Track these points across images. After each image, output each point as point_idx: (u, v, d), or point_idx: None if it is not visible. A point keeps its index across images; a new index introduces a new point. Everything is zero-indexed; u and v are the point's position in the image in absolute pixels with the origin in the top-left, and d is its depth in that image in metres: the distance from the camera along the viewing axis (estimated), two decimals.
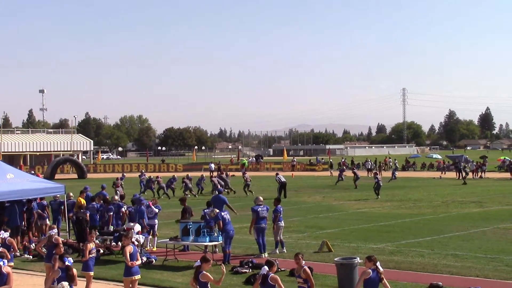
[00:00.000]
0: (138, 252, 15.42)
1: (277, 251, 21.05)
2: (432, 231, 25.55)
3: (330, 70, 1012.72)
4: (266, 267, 11.79)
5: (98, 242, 22.81)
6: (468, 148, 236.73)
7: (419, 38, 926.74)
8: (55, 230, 16.47)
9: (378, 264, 12.01)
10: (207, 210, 21.37)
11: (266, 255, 20.43)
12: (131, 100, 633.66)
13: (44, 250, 16.53)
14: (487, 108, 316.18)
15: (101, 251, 21.54)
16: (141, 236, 21.48)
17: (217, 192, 26.11)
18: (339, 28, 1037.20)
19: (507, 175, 63.12)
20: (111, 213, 23.57)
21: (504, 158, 77.92)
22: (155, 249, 22.52)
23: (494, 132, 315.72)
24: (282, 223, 21.44)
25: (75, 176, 73.37)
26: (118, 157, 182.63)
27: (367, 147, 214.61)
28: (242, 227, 26.23)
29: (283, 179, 43.05)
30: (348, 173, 59.30)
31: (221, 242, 19.96)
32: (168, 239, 21.29)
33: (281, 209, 21.72)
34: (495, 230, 25.51)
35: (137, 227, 21.94)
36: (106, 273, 18.40)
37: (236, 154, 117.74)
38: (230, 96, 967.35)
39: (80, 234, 22.45)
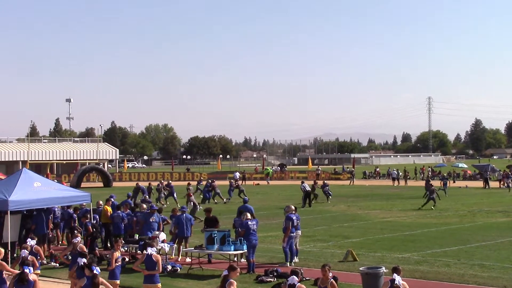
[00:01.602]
0: (161, 260, 15.43)
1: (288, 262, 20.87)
2: (458, 240, 25.37)
3: (355, 79, 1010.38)
4: (295, 277, 11.76)
5: (123, 250, 23.03)
6: (495, 157, 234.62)
7: (444, 46, 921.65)
8: (79, 238, 16.62)
9: (395, 276, 11.86)
10: (237, 218, 21.56)
11: (291, 264, 20.40)
12: (156, 108, 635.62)
13: (69, 258, 16.69)
14: None
15: (127, 259, 21.67)
16: (166, 244, 21.59)
17: (243, 202, 26.15)
18: (364, 36, 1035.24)
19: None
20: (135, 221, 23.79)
21: None
22: (180, 258, 22.57)
23: None
24: (296, 232, 21.29)
25: (101, 184, 73.87)
26: (143, 165, 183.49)
27: (392, 156, 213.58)
28: (267, 236, 26.28)
29: (307, 188, 43.07)
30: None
31: (245, 251, 20.00)
32: (193, 248, 21.38)
33: (293, 217, 21.36)
34: None
35: (162, 236, 22.06)
36: (132, 281, 18.50)
37: (261, 163, 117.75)
38: (255, 105, 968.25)
39: (106, 242, 22.64)
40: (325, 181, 50.12)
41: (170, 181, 52.64)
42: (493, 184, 62.70)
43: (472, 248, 23.50)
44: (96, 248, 22.94)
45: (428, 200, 40.03)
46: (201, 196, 46.11)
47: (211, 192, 47.19)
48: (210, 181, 49.80)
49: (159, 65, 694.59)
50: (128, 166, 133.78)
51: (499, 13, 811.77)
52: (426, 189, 42.09)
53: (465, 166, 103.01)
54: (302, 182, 44.96)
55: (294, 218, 20.89)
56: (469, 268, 19.45)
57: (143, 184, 47.71)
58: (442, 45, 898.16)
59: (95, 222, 24.43)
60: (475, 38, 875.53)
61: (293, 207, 21.67)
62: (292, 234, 20.77)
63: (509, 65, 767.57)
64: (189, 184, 45.73)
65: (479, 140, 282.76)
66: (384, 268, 15.90)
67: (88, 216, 24.45)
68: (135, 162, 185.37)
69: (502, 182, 63.18)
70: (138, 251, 22.18)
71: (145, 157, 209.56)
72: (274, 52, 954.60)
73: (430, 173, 75.81)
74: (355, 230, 29.48)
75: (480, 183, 65.85)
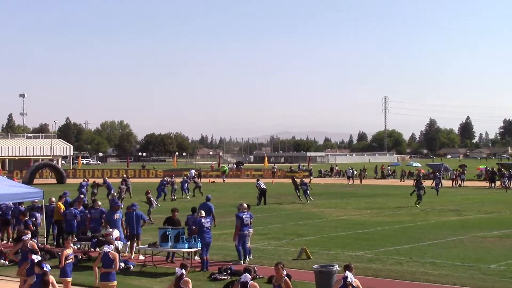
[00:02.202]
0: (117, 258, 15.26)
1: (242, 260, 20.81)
2: (410, 239, 25.65)
3: (312, 78, 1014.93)
4: (248, 275, 11.75)
5: (76, 248, 22.74)
6: (448, 156, 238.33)
7: (401, 47, 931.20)
8: (29, 235, 16.34)
9: (348, 274, 11.91)
10: (190, 216, 21.41)
11: (245, 262, 20.38)
12: (112, 105, 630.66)
13: (18, 256, 16.39)
14: (468, 117, 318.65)
15: (79, 256, 21.40)
16: (119, 242, 21.38)
17: (205, 200, 26.00)
18: (321, 37, 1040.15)
19: (486, 184, 63.50)
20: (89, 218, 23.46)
21: (486, 167, 78.35)
22: (133, 255, 22.37)
23: (474, 141, 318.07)
24: (248, 231, 21.18)
25: (54, 181, 72.90)
26: (98, 162, 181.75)
27: (347, 155, 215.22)
28: (221, 233, 26.23)
29: (263, 186, 43.11)
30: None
31: (199, 248, 19.91)
32: (146, 246, 21.22)
33: (243, 215, 21.28)
34: (472, 238, 25.66)
35: (116, 233, 21.83)
36: (84, 279, 18.25)
37: (217, 161, 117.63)
38: (211, 103, 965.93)
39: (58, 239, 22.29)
40: (303, 180, 48.25)
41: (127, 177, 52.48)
42: (446, 183, 63.58)
43: (424, 246, 23.78)
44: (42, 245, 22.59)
45: (418, 196, 41.14)
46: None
47: (172, 187, 47.71)
48: (167, 178, 49.80)
49: (115, 61, 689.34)
50: (83, 163, 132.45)
51: (454, 14, 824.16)
52: (416, 186, 42.53)
53: (419, 165, 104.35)
54: (258, 180, 45.04)
55: (244, 216, 20.83)
56: (421, 266, 19.67)
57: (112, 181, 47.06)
58: (398, 46, 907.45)
59: (34, 219, 24.08)
60: (431, 39, 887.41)
61: (245, 205, 21.62)
62: (244, 232, 20.72)
63: (463, 66, 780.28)
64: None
65: (433, 139, 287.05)
66: (337, 266, 15.97)
67: (28, 214, 24.09)
68: (90, 159, 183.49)
69: (455, 181, 64.23)
70: (91, 249, 21.95)
71: (100, 154, 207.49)
72: (232, 50, 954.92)
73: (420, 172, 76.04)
74: (310, 228, 29.60)
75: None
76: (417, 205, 40.12)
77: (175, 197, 47.71)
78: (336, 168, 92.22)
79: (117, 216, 22.23)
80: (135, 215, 22.43)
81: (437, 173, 58.80)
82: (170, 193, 48.21)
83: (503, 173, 62.79)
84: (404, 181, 74.94)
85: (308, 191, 44.30)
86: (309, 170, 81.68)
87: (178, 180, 51.70)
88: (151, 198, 34.41)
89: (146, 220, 23.56)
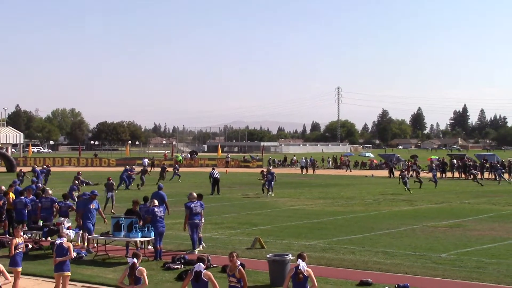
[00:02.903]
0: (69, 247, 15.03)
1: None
2: (363, 228, 25.87)
3: (266, 68, 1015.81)
4: (201, 264, 11.69)
5: (26, 237, 22.37)
6: (400, 147, 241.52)
7: (354, 38, 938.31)
8: None
9: (300, 262, 11.92)
10: (142, 205, 21.18)
11: (197, 251, 20.30)
12: (63, 93, 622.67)
13: None
14: (419, 108, 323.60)
15: (30, 246, 21.06)
16: (71, 231, 21.13)
17: (157, 188, 25.78)
18: (274, 26, 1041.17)
19: (437, 174, 64.31)
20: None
21: (438, 158, 79.46)
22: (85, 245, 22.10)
23: (425, 132, 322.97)
24: (200, 220, 21.09)
25: (4, 169, 71.61)
26: (49, 150, 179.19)
27: (301, 145, 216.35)
28: (175, 223, 26.10)
29: (215, 175, 43.04)
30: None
31: (153, 238, 19.76)
32: (99, 235, 20.97)
33: (191, 205, 21.17)
34: (424, 228, 25.99)
35: (68, 222, 21.56)
36: (35, 269, 17.99)
37: (170, 150, 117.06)
38: (165, 91, 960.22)
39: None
40: (270, 169, 44.83)
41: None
42: (398, 173, 64.26)
43: (377, 235, 24.01)
44: None
45: (405, 184, 44.48)
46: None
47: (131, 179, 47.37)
48: (128, 167, 49.41)
49: (66, 48, 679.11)
50: (33, 151, 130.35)
51: (406, 6, 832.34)
52: (401, 177, 46.25)
53: (372, 155, 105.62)
54: (213, 169, 44.96)
55: (192, 206, 20.71)
56: (373, 255, 19.85)
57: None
58: (352, 37, 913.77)
59: None
60: (384, 31, 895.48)
61: (195, 195, 21.47)
62: (195, 221, 20.60)
63: (416, 58, 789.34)
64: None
65: (385, 130, 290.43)
66: (290, 255, 16.03)
67: None
68: (41, 147, 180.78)
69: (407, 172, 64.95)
70: (42, 238, 21.63)
71: (51, 142, 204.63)
72: (186, 40, 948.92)
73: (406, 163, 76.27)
74: (264, 218, 29.65)
75: (385, 172, 67.46)
76: (410, 191, 43.42)
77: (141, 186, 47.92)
78: (294, 158, 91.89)
79: (93, 205, 21.80)
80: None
81: (433, 165, 58.57)
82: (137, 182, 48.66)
83: (471, 164, 63.14)
84: (351, 171, 75.94)
85: (273, 182, 41.85)
86: (268, 160, 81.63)
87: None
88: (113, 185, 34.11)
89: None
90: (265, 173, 42.86)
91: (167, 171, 55.62)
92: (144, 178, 49.20)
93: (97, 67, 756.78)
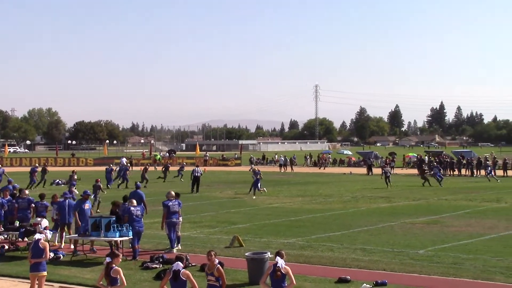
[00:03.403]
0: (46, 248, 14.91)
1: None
2: (341, 226, 25.95)
3: (244, 66, 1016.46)
4: (180, 263, 11.65)
5: (3, 238, 22.20)
6: (378, 144, 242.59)
7: (332, 35, 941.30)
8: None
9: (278, 259, 11.90)
10: (123, 205, 21.07)
11: (175, 250, 20.24)
12: (40, 92, 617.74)
13: None
14: (396, 106, 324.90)
15: (6, 247, 20.88)
16: (48, 231, 20.97)
17: (135, 188, 25.64)
18: (253, 24, 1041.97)
19: (415, 171, 64.73)
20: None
21: (418, 155, 79.91)
22: (63, 244, 21.97)
23: (403, 129, 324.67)
24: (177, 219, 21.05)
25: None
26: (26, 150, 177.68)
27: (279, 143, 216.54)
28: (153, 222, 26.00)
29: (195, 174, 43.11)
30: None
31: (131, 237, 19.66)
32: (77, 235, 20.83)
33: (169, 203, 21.14)
34: (402, 224, 26.12)
35: (45, 223, 21.40)
36: (11, 270, 17.85)
37: (148, 149, 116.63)
38: (142, 90, 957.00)
39: None
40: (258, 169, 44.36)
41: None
42: (376, 170, 64.59)
43: (355, 233, 24.09)
44: None
45: (387, 179, 46.40)
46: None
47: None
48: (109, 167, 49.56)
49: (43, 47, 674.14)
50: (9, 151, 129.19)
51: (383, 7, 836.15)
52: (383, 173, 47.60)
53: (350, 153, 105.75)
54: (197, 166, 45.02)
55: (170, 204, 20.66)
56: (352, 252, 19.91)
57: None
58: (330, 34, 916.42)
59: None
60: (361, 29, 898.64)
61: (173, 193, 21.42)
62: (172, 220, 20.55)
63: (393, 55, 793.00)
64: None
65: (363, 127, 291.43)
66: (269, 253, 16.05)
67: None
68: (17, 147, 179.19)
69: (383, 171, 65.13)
70: (19, 239, 21.45)
71: (28, 142, 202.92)
72: (165, 37, 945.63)
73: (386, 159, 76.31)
74: (242, 216, 29.65)
75: (363, 170, 67.75)
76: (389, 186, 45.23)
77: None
78: (276, 156, 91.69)
79: (86, 206, 21.70)
80: (68, 204, 22.04)
81: (435, 163, 58.11)
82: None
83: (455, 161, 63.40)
84: (324, 168, 76.41)
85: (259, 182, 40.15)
86: (250, 159, 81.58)
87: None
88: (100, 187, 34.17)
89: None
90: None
91: (170, 170, 55.92)
92: (147, 176, 49.54)
93: (74, 66, 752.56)
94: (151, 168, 63.82)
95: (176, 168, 62.05)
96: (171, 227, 20.55)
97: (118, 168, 52.11)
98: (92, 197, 31.86)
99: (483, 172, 57.76)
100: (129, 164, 66.12)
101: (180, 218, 21.18)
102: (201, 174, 44.27)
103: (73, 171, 41.93)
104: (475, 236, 22.87)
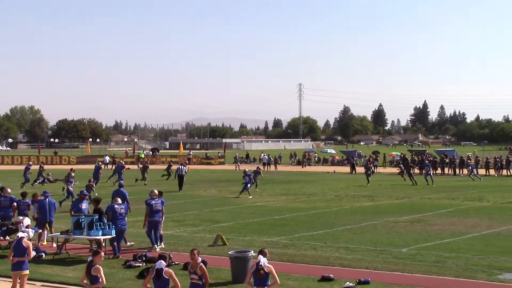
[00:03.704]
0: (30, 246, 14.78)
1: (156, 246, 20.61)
2: (325, 224, 25.99)
3: (228, 64, 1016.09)
4: (163, 262, 11.61)
5: None
6: (361, 143, 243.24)
7: (315, 34, 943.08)
8: None
9: (261, 258, 11.88)
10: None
11: (159, 248, 20.18)
12: (22, 90, 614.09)
13: None
14: (380, 105, 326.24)
15: None
16: (30, 230, 20.83)
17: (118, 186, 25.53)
18: (236, 23, 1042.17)
19: (398, 170, 64.87)
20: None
21: (401, 153, 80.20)
22: (45, 243, 21.82)
23: (387, 128, 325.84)
24: (160, 218, 20.99)
25: None
26: (8, 148, 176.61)
27: (263, 141, 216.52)
28: (136, 220, 25.89)
29: (179, 172, 43.21)
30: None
31: (114, 235, 19.58)
32: (59, 233, 20.71)
33: (152, 202, 21.08)
34: (385, 223, 26.21)
35: (27, 221, 21.26)
36: None
37: (132, 147, 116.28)
38: (127, 89, 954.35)
39: None
40: (258, 167, 45.91)
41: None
42: (360, 169, 64.71)
43: (338, 231, 24.13)
44: None
45: (367, 176, 47.57)
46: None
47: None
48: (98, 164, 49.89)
49: (24, 45, 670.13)
50: None
51: (366, 6, 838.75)
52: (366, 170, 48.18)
53: (333, 151, 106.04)
54: (182, 165, 45.05)
55: (153, 203, 20.61)
56: (335, 251, 19.93)
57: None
58: (313, 33, 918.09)
59: None
60: (347, 27, 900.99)
61: (156, 192, 21.37)
62: (154, 218, 20.50)
63: (376, 54, 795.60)
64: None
65: (347, 126, 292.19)
66: (252, 252, 16.03)
67: None
68: None
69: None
70: (0, 237, 21.29)
71: (10, 140, 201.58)
72: (148, 35, 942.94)
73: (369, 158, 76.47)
74: (226, 215, 29.62)
75: (347, 169, 67.92)
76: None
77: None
78: (262, 155, 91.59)
79: (84, 205, 21.65)
80: (48, 202, 21.90)
81: (426, 161, 57.76)
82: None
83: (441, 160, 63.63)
84: (304, 167, 76.75)
85: (249, 185, 38.35)
86: (235, 157, 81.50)
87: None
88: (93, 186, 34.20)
89: (56, 208, 22.95)
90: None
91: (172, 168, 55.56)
92: (146, 175, 49.88)
93: (57, 63, 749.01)
94: (134, 167, 63.68)
95: (163, 166, 62.02)
96: (153, 225, 20.49)
97: (115, 167, 52.48)
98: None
99: (465, 171, 58.15)
100: (123, 162, 66.03)
101: (163, 217, 21.14)
102: (185, 172, 44.24)
103: (71, 169, 41.66)
104: (458, 235, 22.99)
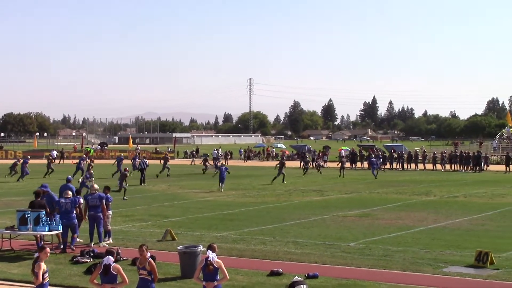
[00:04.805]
0: None
1: (103, 242, 20.42)
2: (274, 219, 26.06)
3: (176, 58, 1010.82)
4: (110, 257, 11.48)
5: None
6: (312, 138, 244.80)
7: (266, 30, 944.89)
8: None
9: (210, 253, 11.84)
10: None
11: (104, 244, 19.96)
12: None
13: None
14: (330, 100, 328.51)
15: None
16: None
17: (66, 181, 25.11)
18: (186, 17, 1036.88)
19: (347, 165, 65.38)
20: None
21: (351, 148, 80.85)
22: None
23: (336, 123, 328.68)
24: (107, 213, 20.88)
25: None
26: None
27: (213, 136, 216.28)
28: None
29: (143, 165, 43.48)
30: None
31: (61, 231, 19.30)
32: (4, 229, 20.31)
33: (89, 197, 20.91)
34: (334, 217, 26.40)
35: None
36: None
37: (80, 142, 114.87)
38: (75, 82, 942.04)
39: None
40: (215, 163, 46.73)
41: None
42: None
43: (287, 226, 24.22)
44: None
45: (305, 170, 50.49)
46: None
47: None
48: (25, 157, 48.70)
49: None
50: None
51: (328, 2, 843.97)
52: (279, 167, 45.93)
53: (284, 146, 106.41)
54: (145, 158, 45.07)
55: (89, 198, 20.40)
56: (284, 246, 20.00)
57: None
58: (264, 28, 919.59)
59: None
60: (297, 22, 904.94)
61: (96, 187, 21.20)
62: (91, 213, 20.29)
63: (328, 50, 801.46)
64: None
65: (297, 121, 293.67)
66: (201, 247, 15.98)
67: None
68: None
69: (314, 163, 65.72)
70: None
71: None
72: (99, 28, 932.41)
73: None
74: (175, 210, 29.48)
75: (297, 163, 68.18)
76: (284, 182, 43.67)
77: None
78: (220, 150, 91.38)
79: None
80: None
81: (371, 156, 57.46)
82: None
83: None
84: (245, 161, 77.63)
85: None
86: (192, 152, 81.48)
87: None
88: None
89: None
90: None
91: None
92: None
93: (3, 55, 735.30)
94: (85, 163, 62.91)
95: (111, 161, 61.29)
96: (91, 221, 20.27)
97: (115, 161, 52.97)
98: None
99: (413, 165, 58.94)
100: (122, 155, 65.01)
101: (110, 212, 20.97)
102: (147, 166, 44.11)
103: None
104: (405, 229, 23.29)
